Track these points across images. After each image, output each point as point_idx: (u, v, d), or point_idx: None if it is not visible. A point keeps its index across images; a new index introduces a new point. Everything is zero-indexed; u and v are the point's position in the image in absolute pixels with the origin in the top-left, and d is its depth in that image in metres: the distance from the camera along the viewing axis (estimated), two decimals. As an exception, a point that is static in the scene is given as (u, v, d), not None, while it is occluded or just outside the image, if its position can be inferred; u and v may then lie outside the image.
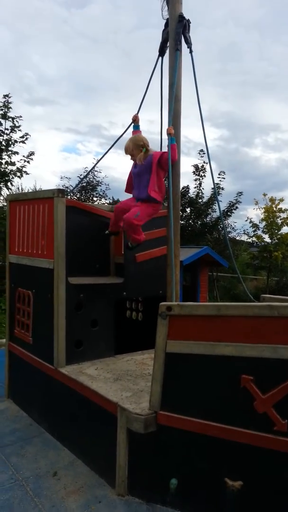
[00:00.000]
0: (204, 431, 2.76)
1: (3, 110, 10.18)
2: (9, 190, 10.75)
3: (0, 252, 9.63)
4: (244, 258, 18.30)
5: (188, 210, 14.49)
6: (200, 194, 14.41)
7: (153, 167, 3.89)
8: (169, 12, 4.19)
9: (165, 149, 4.07)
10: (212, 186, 14.10)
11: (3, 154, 10.25)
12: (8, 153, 10.32)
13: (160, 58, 4.40)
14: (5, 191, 10.55)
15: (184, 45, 4.13)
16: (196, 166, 14.34)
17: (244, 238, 16.12)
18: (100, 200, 15.63)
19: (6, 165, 10.33)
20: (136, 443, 3.01)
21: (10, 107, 10.26)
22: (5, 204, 6.86)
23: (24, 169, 10.62)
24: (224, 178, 14.51)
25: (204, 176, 14.18)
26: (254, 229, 14.99)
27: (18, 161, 10.57)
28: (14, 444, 3.84)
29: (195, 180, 14.41)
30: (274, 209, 14.42)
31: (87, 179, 14.68)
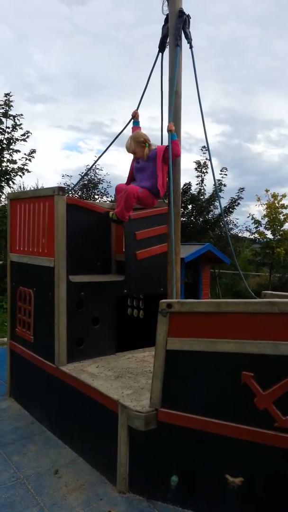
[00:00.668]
0: (204, 428, 2.75)
1: (4, 109, 10.17)
2: (11, 189, 10.74)
3: (2, 250, 9.63)
4: (247, 254, 18.22)
5: (190, 207, 14.44)
6: (202, 190, 14.36)
7: (158, 163, 3.84)
8: (169, 8, 4.16)
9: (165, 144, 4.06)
10: (216, 182, 14.07)
11: (5, 152, 10.24)
12: (9, 152, 10.32)
13: (160, 54, 4.37)
14: (6, 189, 10.54)
15: (184, 41, 4.10)
16: (198, 163, 14.29)
17: (247, 234, 16.05)
18: (102, 198, 15.61)
19: (7, 163, 10.32)
20: (137, 440, 3.01)
21: (12, 105, 10.25)
22: (6, 202, 6.84)
23: (25, 167, 10.62)
24: (226, 175, 14.43)
25: (206, 172, 14.10)
26: (256, 225, 14.93)
27: (19, 159, 10.57)
28: (15, 442, 3.85)
29: (197, 176, 14.37)
30: (277, 205, 14.35)
31: (88, 176, 14.67)
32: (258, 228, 14.83)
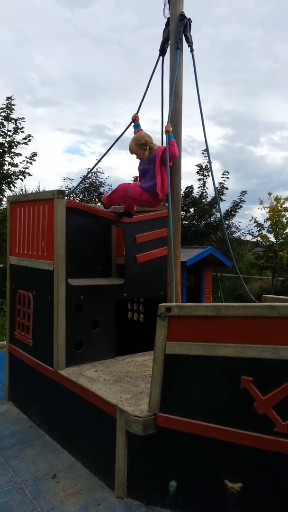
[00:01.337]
0: (203, 432, 2.73)
1: (6, 112, 10.20)
2: (12, 192, 10.76)
3: (2, 253, 9.61)
4: (249, 258, 18.20)
5: (192, 210, 14.43)
6: (204, 194, 14.34)
7: (156, 165, 3.85)
8: (170, 11, 4.16)
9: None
10: (216, 186, 14.05)
11: (6, 156, 10.26)
12: (10, 155, 10.33)
13: (161, 57, 4.37)
14: (7, 193, 10.56)
15: (185, 44, 4.10)
16: (200, 166, 14.29)
17: (249, 238, 16.02)
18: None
19: (9, 167, 10.34)
20: (136, 445, 2.98)
21: (13, 109, 10.28)
22: (6, 205, 6.86)
23: (27, 171, 10.63)
24: (228, 178, 14.44)
25: (208, 175, 14.10)
26: (259, 228, 14.91)
27: (20, 163, 10.58)
28: (13, 446, 3.82)
29: (199, 180, 14.36)
30: (279, 208, 14.33)
31: (90, 179, 14.66)
32: (260, 232, 14.81)
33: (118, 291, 4.39)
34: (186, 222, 14.10)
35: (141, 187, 3.96)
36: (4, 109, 10.17)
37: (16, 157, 10.43)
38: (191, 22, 4.13)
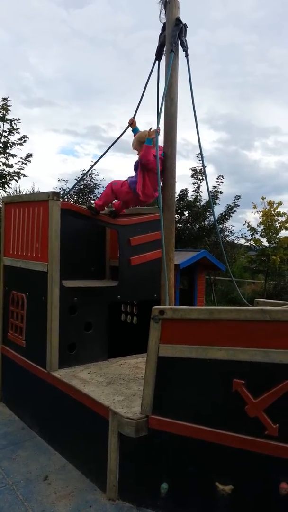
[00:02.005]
0: (195, 435, 2.74)
1: (1, 113, 10.20)
2: (6, 192, 10.75)
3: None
4: (242, 261, 18.29)
5: (186, 213, 14.49)
6: (198, 197, 14.41)
7: (139, 165, 3.95)
8: (166, 16, 4.19)
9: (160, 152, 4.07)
10: (210, 189, 14.08)
11: (0, 156, 10.25)
12: (5, 156, 10.32)
13: (157, 62, 4.40)
14: (2, 193, 10.55)
15: (180, 49, 4.13)
16: (194, 170, 14.36)
17: (242, 241, 16.12)
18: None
19: (3, 167, 10.33)
20: (128, 447, 2.99)
21: (9, 109, 10.28)
22: (0, 206, 6.85)
23: (22, 172, 10.63)
24: (222, 182, 14.54)
25: (202, 179, 14.18)
26: (252, 232, 15.01)
27: (15, 163, 10.58)
28: (5, 448, 3.81)
29: (193, 183, 14.43)
30: (273, 212, 14.44)
31: (84, 181, 14.68)
32: (254, 236, 14.91)
33: (111, 293, 4.40)
34: (180, 225, 14.15)
35: (128, 180, 4.09)
36: (0, 110, 10.17)
37: (11, 157, 10.42)
38: (187, 27, 4.17)
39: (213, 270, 13.33)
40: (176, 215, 13.51)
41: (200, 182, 14.29)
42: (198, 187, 14.37)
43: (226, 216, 14.73)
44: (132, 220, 4.64)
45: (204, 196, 14.47)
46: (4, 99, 10.23)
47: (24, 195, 8.62)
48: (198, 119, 4.17)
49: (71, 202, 12.83)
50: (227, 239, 16.07)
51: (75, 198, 14.86)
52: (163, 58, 4.25)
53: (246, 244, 15.90)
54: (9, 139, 10.40)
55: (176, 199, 4.91)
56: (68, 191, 9.61)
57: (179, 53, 4.12)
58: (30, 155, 10.84)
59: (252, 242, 15.20)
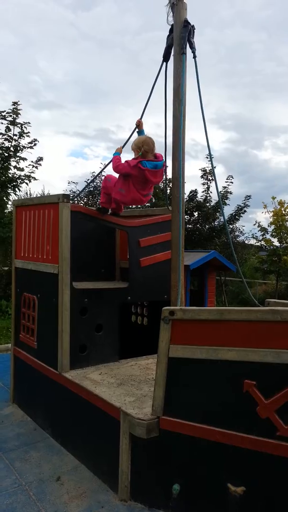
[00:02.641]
0: (206, 436, 2.74)
1: (12, 117, 10.30)
2: (17, 196, 10.83)
3: (8, 257, 9.67)
4: (253, 262, 18.18)
5: (196, 214, 14.46)
6: (208, 198, 14.37)
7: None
8: (174, 18, 4.20)
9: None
10: (220, 190, 13.98)
11: (11, 160, 10.34)
12: (16, 159, 10.42)
13: (165, 63, 4.41)
14: (13, 196, 10.64)
15: (188, 50, 4.13)
16: (204, 170, 14.32)
17: (253, 242, 16.02)
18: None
19: (14, 170, 10.42)
20: (139, 448, 3.00)
21: (19, 113, 10.38)
22: (12, 209, 6.91)
23: (32, 175, 10.71)
24: (232, 183, 14.47)
25: (212, 180, 14.13)
26: (262, 233, 14.90)
27: (26, 167, 10.66)
28: (18, 448, 3.85)
29: (203, 184, 14.40)
30: (283, 212, 14.32)
31: (94, 183, 14.73)
32: (264, 236, 14.80)
33: (122, 295, 4.42)
34: (190, 226, 14.12)
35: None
36: (11, 114, 10.27)
37: (21, 161, 10.51)
38: (195, 28, 4.17)
39: (224, 271, 13.26)
40: (186, 216, 13.51)
41: (210, 182, 14.25)
42: (208, 188, 14.33)
43: (236, 217, 14.65)
44: (142, 222, 4.65)
45: (214, 197, 14.43)
46: (15, 103, 10.32)
47: (35, 197, 8.70)
48: (206, 120, 4.16)
49: (81, 204, 12.90)
50: (238, 239, 15.99)
51: (85, 200, 14.92)
52: (171, 60, 4.26)
53: (257, 244, 15.78)
54: (19, 143, 10.50)
55: (185, 200, 4.91)
56: (78, 193, 9.66)
57: (187, 54, 4.12)
58: (40, 159, 10.91)
59: (262, 242, 15.09)
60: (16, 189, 10.60)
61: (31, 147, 10.63)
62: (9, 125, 10.29)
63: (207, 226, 14.27)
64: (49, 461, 3.63)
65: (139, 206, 4.70)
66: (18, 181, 10.51)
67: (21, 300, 4.79)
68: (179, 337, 2.83)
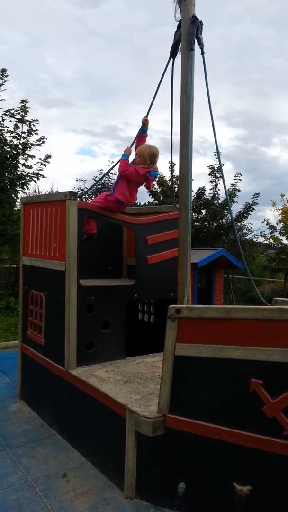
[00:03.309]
0: (212, 435, 2.73)
1: (21, 114, 10.32)
2: (25, 194, 10.87)
3: (16, 254, 9.71)
4: (261, 260, 18.08)
5: (203, 211, 14.40)
6: (216, 195, 14.30)
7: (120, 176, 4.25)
8: (182, 14, 4.17)
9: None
10: (228, 187, 13.87)
11: (20, 157, 10.37)
12: (24, 157, 10.45)
13: (172, 59, 4.39)
14: (21, 194, 10.67)
15: (195, 46, 4.10)
16: (212, 168, 14.25)
17: (261, 240, 15.91)
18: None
19: (23, 168, 10.46)
20: (145, 446, 3.00)
21: (28, 111, 10.39)
22: (20, 206, 6.93)
23: (40, 173, 10.73)
24: (240, 180, 14.39)
25: (220, 177, 14.06)
26: (271, 230, 14.80)
27: (34, 164, 10.69)
28: (25, 445, 3.87)
29: (211, 181, 14.33)
30: (292, 210, 14.20)
31: (102, 181, 14.74)
32: (273, 234, 14.70)
33: (128, 292, 4.42)
34: (197, 224, 14.06)
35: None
36: (19, 111, 10.29)
37: (30, 158, 10.54)
38: (203, 24, 4.14)
39: (231, 269, 13.20)
40: (193, 214, 13.45)
41: (218, 180, 14.18)
42: (216, 185, 14.26)
43: (245, 214, 14.57)
44: (149, 219, 4.64)
45: (222, 194, 14.36)
46: (23, 101, 10.34)
47: (43, 195, 8.73)
48: (214, 116, 4.14)
49: (89, 202, 12.91)
50: (246, 237, 15.89)
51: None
52: (178, 56, 4.24)
53: (265, 242, 15.67)
54: (28, 141, 10.52)
55: (193, 197, 4.89)
56: (86, 191, 9.67)
57: (195, 51, 4.09)
58: (49, 156, 10.93)
59: (271, 240, 14.99)
60: (25, 186, 10.63)
61: (39, 145, 10.64)
62: (17, 123, 10.31)
63: (214, 223, 14.20)
64: (56, 458, 3.64)
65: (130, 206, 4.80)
66: (27, 178, 10.54)
67: (28, 297, 4.81)
68: (185, 335, 2.82)
